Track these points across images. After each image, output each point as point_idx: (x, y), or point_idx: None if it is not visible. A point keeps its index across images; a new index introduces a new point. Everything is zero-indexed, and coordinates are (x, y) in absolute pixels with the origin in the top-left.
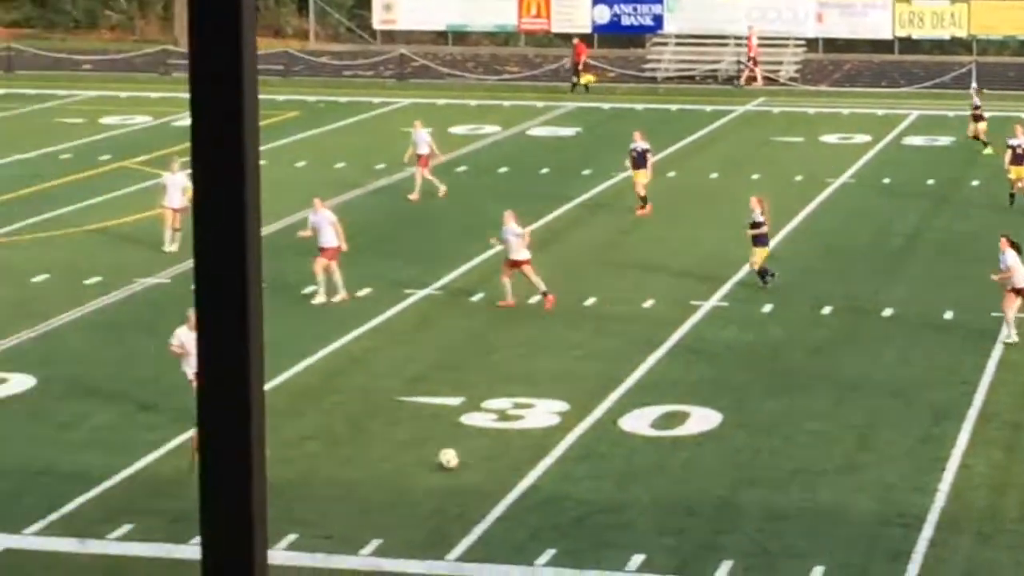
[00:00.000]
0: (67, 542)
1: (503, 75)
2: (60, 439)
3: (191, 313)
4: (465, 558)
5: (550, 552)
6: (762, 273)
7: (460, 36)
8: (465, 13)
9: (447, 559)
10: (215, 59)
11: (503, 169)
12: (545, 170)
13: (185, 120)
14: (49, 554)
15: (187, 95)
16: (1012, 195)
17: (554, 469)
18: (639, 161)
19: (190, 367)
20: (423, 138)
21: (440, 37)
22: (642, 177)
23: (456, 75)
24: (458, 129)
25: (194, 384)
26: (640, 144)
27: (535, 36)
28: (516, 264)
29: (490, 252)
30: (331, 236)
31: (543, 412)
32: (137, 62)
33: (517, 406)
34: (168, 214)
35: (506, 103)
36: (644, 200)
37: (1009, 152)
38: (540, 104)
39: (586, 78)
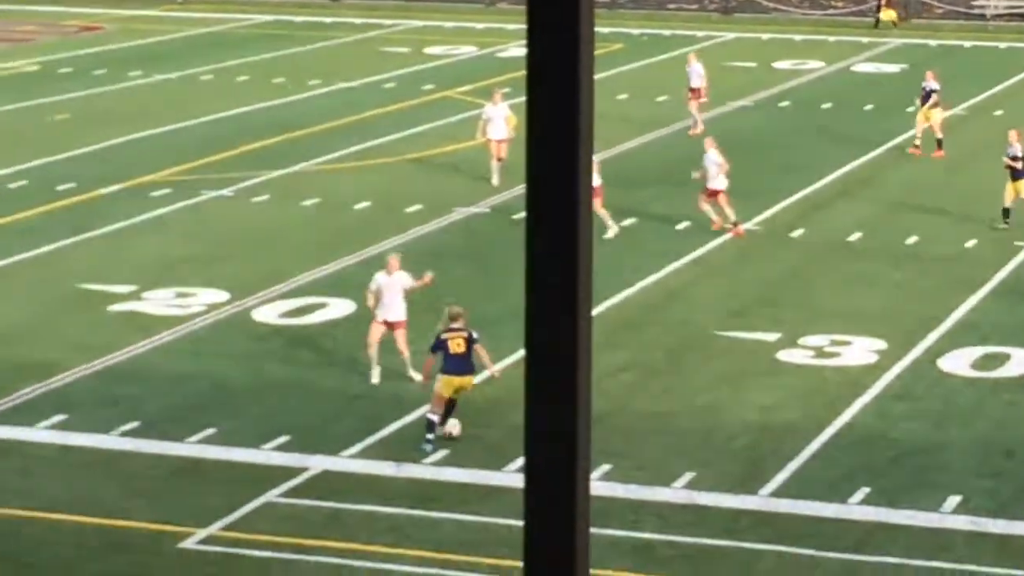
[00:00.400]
0: (383, 465)
1: (828, 10)
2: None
3: (392, 258)
4: (778, 494)
5: (864, 491)
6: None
7: None
8: None
9: (760, 494)
10: None
11: (826, 105)
12: (869, 107)
13: (509, 51)
14: (366, 476)
15: (512, 26)
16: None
17: (870, 408)
18: (927, 99)
19: (379, 312)
20: (697, 71)
21: None
22: (935, 117)
23: (781, 9)
24: (782, 64)
25: (377, 332)
26: (931, 83)
27: None
28: (713, 193)
29: (809, 188)
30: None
31: (861, 350)
32: None
33: (834, 343)
34: (492, 145)
35: (831, 38)
36: (939, 142)
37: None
38: (865, 40)
39: (887, 14)
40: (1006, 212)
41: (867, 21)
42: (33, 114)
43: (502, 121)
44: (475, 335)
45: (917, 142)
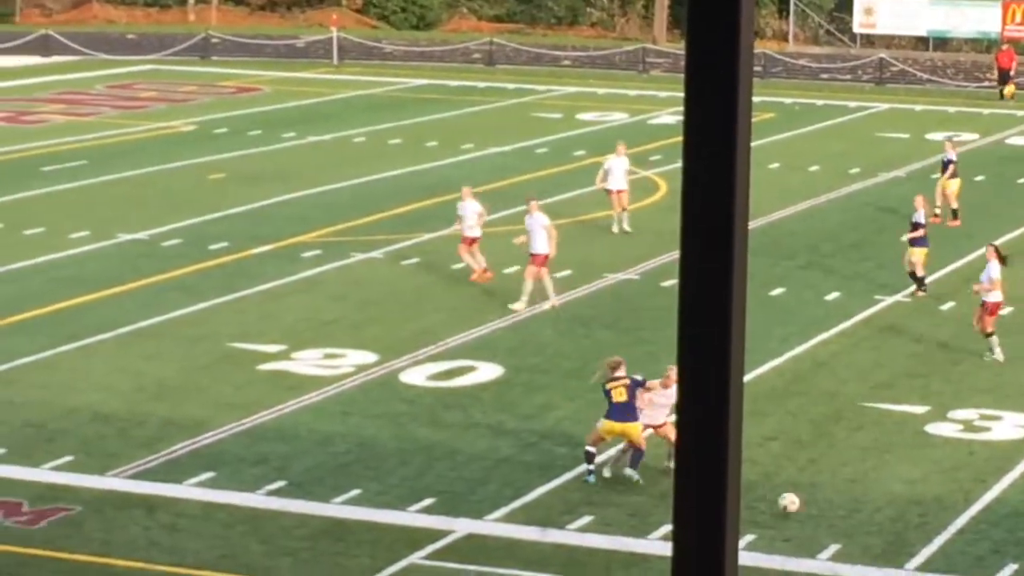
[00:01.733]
0: (528, 530)
1: (983, 82)
2: (524, 428)
3: (671, 370)
4: (924, 568)
5: (1011, 567)
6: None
7: (941, 42)
8: (947, 18)
9: (906, 568)
10: (712, 55)
11: (979, 177)
12: (1022, 180)
13: (661, 118)
14: (510, 540)
15: (664, 94)
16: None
17: (1019, 483)
18: (945, 169)
19: (646, 417)
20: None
21: (920, 42)
22: (952, 187)
23: (935, 81)
24: (934, 136)
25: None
26: (950, 154)
27: (1020, 43)
28: (471, 241)
29: (962, 260)
30: (543, 242)
31: (1010, 425)
32: (616, 59)
33: (983, 417)
34: (613, 197)
35: (985, 111)
36: (955, 212)
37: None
38: (1020, 113)
39: (1009, 89)
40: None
41: (1021, 94)
42: (189, 173)
43: (622, 173)
44: (639, 378)
45: (937, 211)
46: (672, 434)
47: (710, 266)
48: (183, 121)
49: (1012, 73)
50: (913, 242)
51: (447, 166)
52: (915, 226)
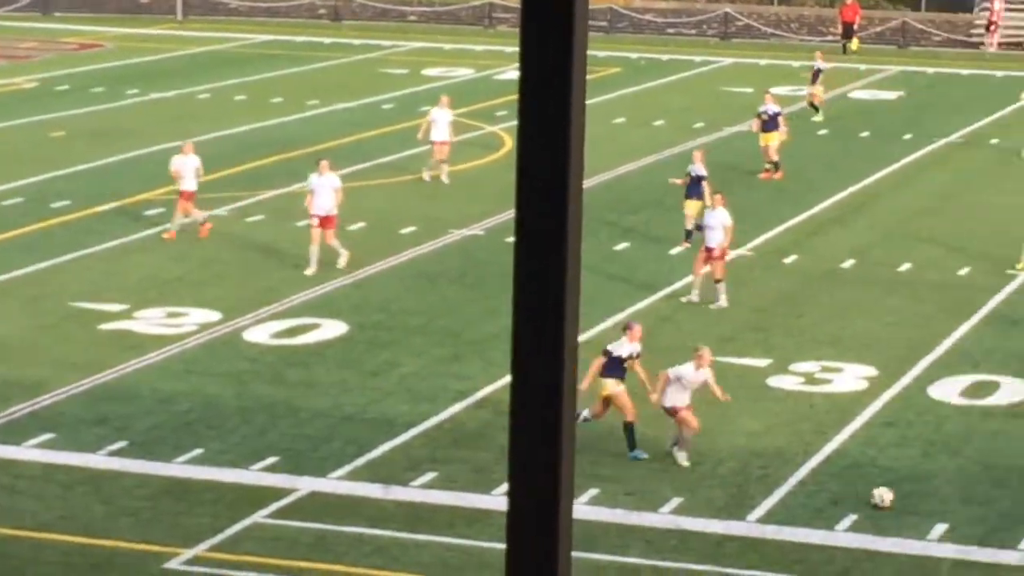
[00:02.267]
0: (371, 487)
1: (827, 36)
2: (368, 386)
3: (703, 351)
4: (765, 520)
5: (851, 518)
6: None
7: None
8: None
9: (747, 520)
10: (546, 12)
11: (822, 132)
12: (865, 133)
13: (507, 73)
14: (353, 498)
15: (510, 48)
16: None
17: (859, 435)
18: (770, 124)
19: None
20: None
21: None
22: (773, 140)
23: (780, 35)
24: (779, 90)
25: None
26: (771, 107)
27: None
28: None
29: (804, 215)
30: (330, 202)
31: (851, 377)
32: (462, 15)
33: (825, 370)
34: (436, 147)
35: (827, 65)
36: (776, 164)
37: (757, 121)
38: (863, 67)
39: (853, 43)
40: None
41: (866, 48)
42: (30, 131)
43: (446, 125)
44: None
45: (768, 166)
46: (691, 421)
47: (545, 221)
48: (24, 78)
49: (856, 27)
50: (688, 194)
51: (293, 122)
52: (694, 179)
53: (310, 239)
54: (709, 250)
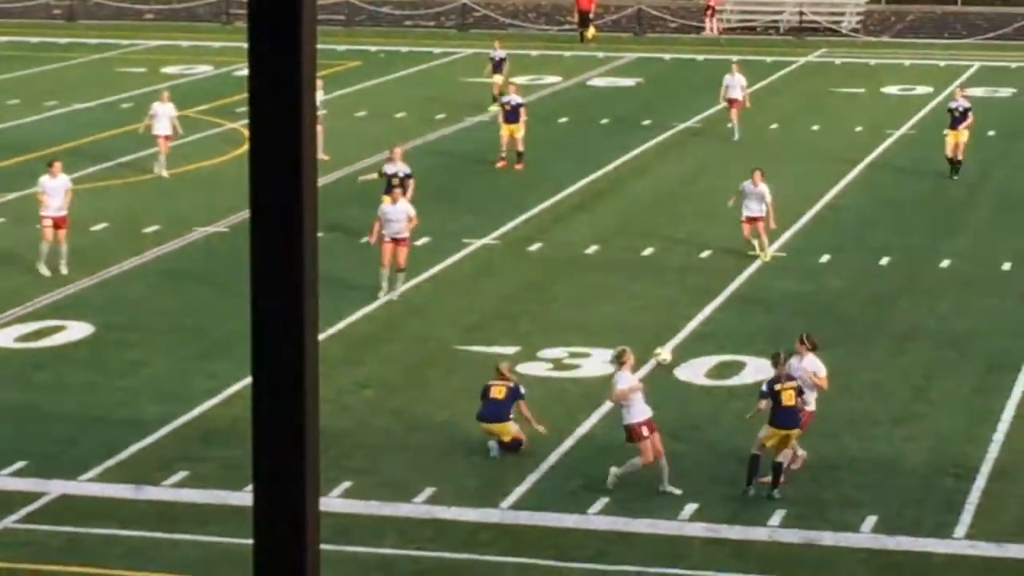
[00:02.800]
0: (122, 488)
1: (564, 25)
2: (117, 386)
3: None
4: (518, 506)
5: (603, 501)
6: None
7: None
8: None
9: (501, 507)
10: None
11: (563, 119)
12: (605, 120)
13: (246, 70)
14: (104, 499)
15: (247, 44)
16: None
17: (609, 417)
18: (511, 116)
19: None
20: (739, 82)
21: None
22: (517, 131)
23: (517, 25)
24: (519, 79)
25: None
26: (514, 97)
27: None
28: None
29: (547, 202)
30: (62, 203)
31: (598, 361)
32: (199, 11)
33: (573, 355)
34: (160, 141)
35: (567, 53)
36: (519, 155)
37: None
38: (601, 55)
39: (590, 32)
40: None
41: (602, 36)
42: None
43: (167, 119)
44: (522, 390)
45: (503, 155)
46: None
47: (280, 216)
48: None
49: (592, 16)
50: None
51: (31, 124)
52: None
53: (43, 239)
54: (395, 240)
